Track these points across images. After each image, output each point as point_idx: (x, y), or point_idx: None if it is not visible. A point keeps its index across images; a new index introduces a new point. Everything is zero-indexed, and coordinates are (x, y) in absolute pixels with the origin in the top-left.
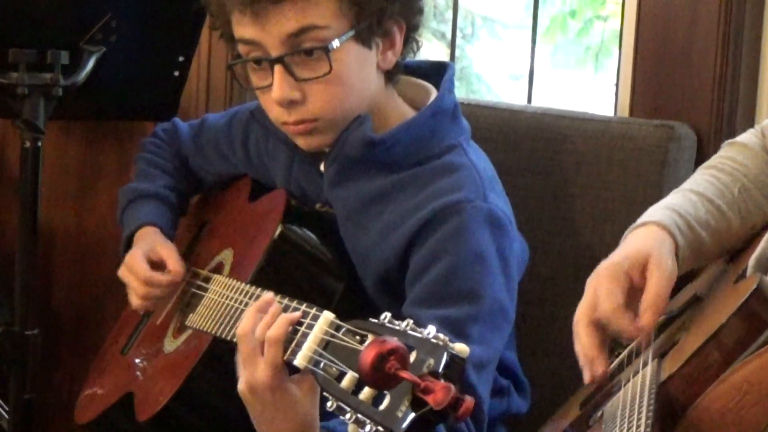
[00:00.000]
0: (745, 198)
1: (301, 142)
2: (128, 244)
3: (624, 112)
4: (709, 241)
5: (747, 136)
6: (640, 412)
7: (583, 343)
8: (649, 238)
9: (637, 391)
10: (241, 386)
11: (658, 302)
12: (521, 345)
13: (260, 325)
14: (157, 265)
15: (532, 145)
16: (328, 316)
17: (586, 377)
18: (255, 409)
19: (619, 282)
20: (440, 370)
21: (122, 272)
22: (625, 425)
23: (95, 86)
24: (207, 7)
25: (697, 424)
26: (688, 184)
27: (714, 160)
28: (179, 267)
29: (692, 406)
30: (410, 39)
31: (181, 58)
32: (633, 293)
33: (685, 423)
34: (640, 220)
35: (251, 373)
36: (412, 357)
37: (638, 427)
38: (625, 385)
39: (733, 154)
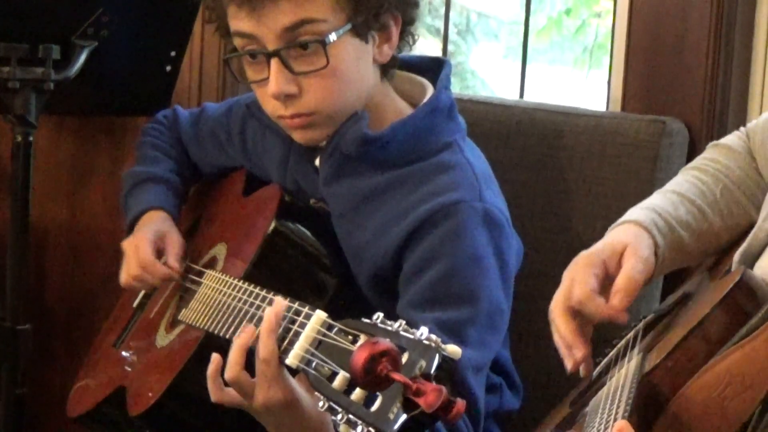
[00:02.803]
0: (727, 199)
1: (298, 136)
2: (132, 227)
3: (616, 107)
4: (690, 241)
5: (732, 138)
6: (620, 402)
7: (561, 330)
8: (627, 233)
9: (620, 383)
10: (257, 407)
11: (629, 284)
12: (512, 341)
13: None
14: (160, 253)
15: (524, 141)
16: (320, 315)
17: (568, 365)
18: (271, 423)
19: (593, 268)
20: (432, 372)
21: (126, 245)
22: (605, 415)
23: (87, 81)
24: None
25: (679, 415)
26: (670, 185)
27: (697, 161)
28: (176, 265)
29: (675, 396)
30: (406, 32)
31: (173, 53)
32: (609, 282)
33: (667, 414)
34: (621, 219)
35: (265, 393)
36: (404, 358)
37: (617, 414)
38: (610, 380)
39: (716, 156)
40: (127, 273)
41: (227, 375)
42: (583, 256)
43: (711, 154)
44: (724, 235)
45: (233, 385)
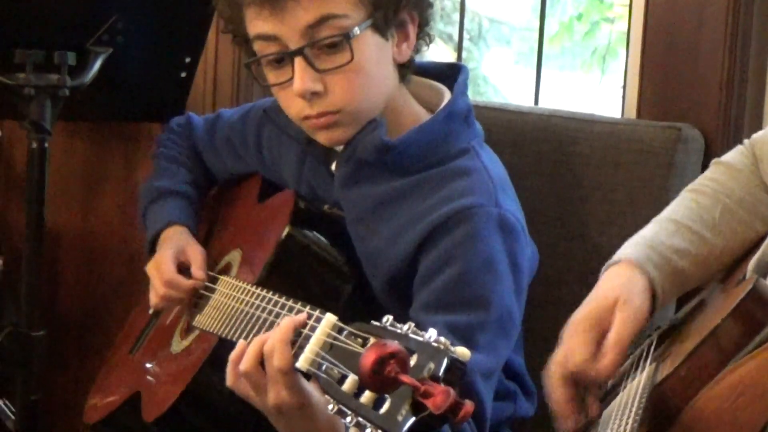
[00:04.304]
0: (727, 219)
1: (323, 137)
2: (153, 244)
3: (631, 113)
4: (690, 268)
5: (733, 155)
6: (630, 413)
7: (555, 398)
8: (619, 280)
9: (631, 393)
10: (270, 407)
11: (619, 344)
12: (526, 347)
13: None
14: (184, 266)
15: (538, 147)
16: (330, 318)
17: (558, 428)
18: (283, 426)
19: (589, 333)
20: (440, 374)
21: (149, 268)
22: (616, 425)
23: (102, 87)
24: (218, 10)
25: (691, 425)
26: (667, 212)
27: (698, 182)
28: (202, 274)
29: (687, 406)
30: (423, 32)
31: (187, 59)
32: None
33: (679, 424)
34: (615, 257)
35: (277, 395)
36: (413, 360)
37: (626, 425)
38: (623, 390)
39: (716, 176)
40: (155, 294)
41: (242, 366)
42: (579, 319)
43: (712, 173)
44: (728, 254)
45: (246, 378)
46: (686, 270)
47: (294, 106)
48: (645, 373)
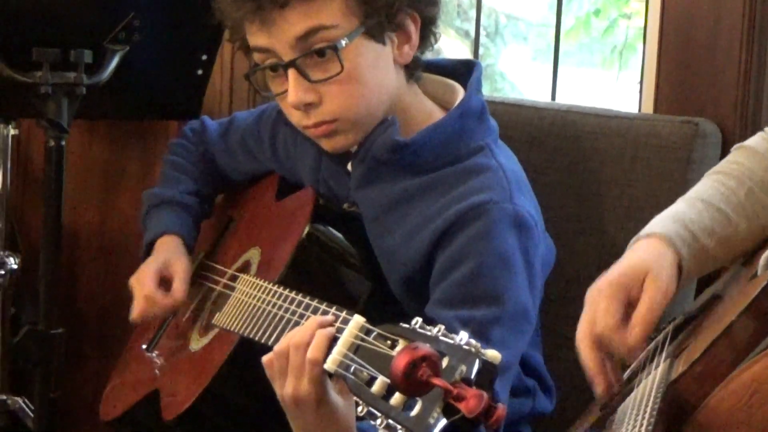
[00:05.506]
0: (752, 201)
1: (325, 145)
2: (149, 251)
3: (648, 109)
4: (715, 248)
5: (756, 140)
6: (645, 412)
7: (585, 361)
8: (650, 251)
9: (646, 391)
10: (286, 397)
11: (648, 318)
12: (545, 343)
13: (297, 341)
14: (167, 281)
15: (556, 143)
16: (358, 320)
17: (596, 393)
18: (298, 420)
19: (616, 299)
20: (472, 377)
21: (132, 281)
22: (630, 425)
23: (119, 85)
24: (223, 21)
25: (705, 424)
26: (694, 192)
27: (722, 165)
28: (181, 292)
29: (701, 406)
30: (427, 31)
31: (204, 57)
32: (632, 308)
33: (693, 423)
34: (644, 231)
35: (296, 386)
36: (444, 363)
37: (641, 426)
38: (638, 386)
39: (740, 159)
40: (134, 308)
41: (277, 346)
42: (607, 284)
43: (735, 157)
44: (750, 237)
45: (267, 367)
46: (711, 249)
47: (293, 116)
48: (660, 370)
